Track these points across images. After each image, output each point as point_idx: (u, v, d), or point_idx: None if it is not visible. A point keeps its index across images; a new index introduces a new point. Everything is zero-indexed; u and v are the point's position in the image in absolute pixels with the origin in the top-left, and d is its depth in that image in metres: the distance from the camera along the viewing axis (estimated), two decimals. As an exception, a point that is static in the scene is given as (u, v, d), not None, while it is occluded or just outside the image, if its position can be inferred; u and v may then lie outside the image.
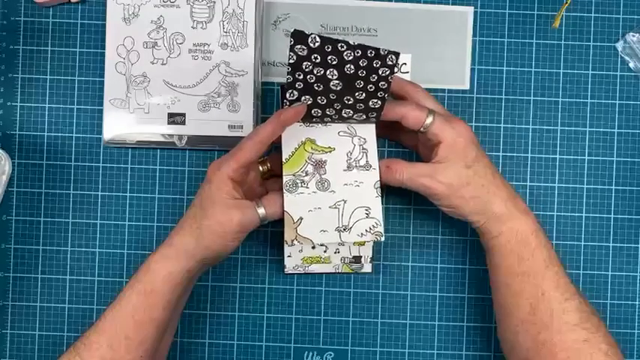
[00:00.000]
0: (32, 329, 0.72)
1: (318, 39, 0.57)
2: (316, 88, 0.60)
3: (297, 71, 0.59)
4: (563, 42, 0.73)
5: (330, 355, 0.72)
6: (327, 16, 0.72)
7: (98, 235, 0.72)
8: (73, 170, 0.72)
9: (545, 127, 0.72)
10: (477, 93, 0.73)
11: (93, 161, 0.72)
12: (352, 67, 0.59)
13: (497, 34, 0.73)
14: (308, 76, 0.59)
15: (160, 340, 0.62)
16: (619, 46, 0.72)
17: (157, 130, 0.71)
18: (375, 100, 0.62)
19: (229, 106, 0.71)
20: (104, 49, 0.71)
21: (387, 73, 0.59)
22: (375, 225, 0.63)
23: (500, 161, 0.72)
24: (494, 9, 0.73)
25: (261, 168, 0.66)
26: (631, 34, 0.72)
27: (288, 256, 0.68)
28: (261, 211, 0.61)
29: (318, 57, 0.58)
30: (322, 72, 0.59)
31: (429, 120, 0.62)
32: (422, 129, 0.62)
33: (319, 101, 0.62)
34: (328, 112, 0.63)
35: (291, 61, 0.58)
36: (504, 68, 0.73)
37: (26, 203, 0.72)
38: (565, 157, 0.72)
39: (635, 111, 0.73)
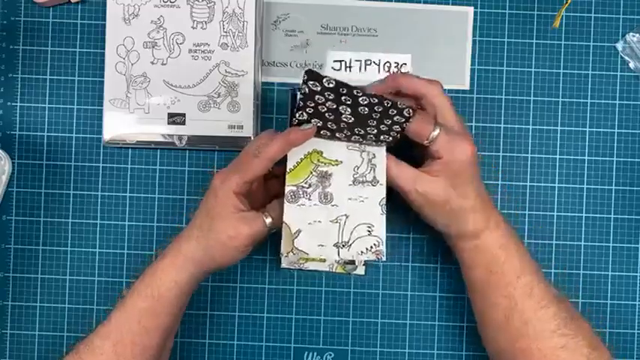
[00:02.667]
0: (32, 329, 0.72)
1: (332, 82, 0.55)
2: (327, 116, 0.59)
3: (309, 100, 0.57)
4: (563, 42, 0.73)
5: (330, 355, 0.72)
6: (327, 16, 0.72)
7: (98, 235, 0.72)
8: (73, 170, 0.72)
9: (545, 127, 0.72)
10: (477, 93, 0.72)
11: (93, 161, 0.72)
12: (366, 109, 0.57)
13: (497, 34, 0.73)
14: (319, 107, 0.58)
15: (164, 346, 0.62)
16: (619, 46, 0.72)
17: (157, 130, 0.71)
18: (386, 136, 0.61)
19: (229, 106, 0.71)
20: (104, 49, 0.71)
21: (402, 121, 0.58)
22: (377, 244, 0.61)
23: (500, 161, 0.72)
24: (494, 9, 0.72)
25: None
26: (631, 34, 0.72)
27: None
28: (269, 220, 0.61)
29: (332, 94, 0.57)
30: (335, 106, 0.58)
31: (435, 133, 0.59)
32: (426, 142, 0.60)
33: (329, 126, 0.60)
34: (338, 135, 0.62)
35: (304, 92, 0.56)
36: (504, 68, 0.73)
37: (26, 203, 0.72)
38: (565, 157, 0.72)
39: (635, 111, 0.73)
